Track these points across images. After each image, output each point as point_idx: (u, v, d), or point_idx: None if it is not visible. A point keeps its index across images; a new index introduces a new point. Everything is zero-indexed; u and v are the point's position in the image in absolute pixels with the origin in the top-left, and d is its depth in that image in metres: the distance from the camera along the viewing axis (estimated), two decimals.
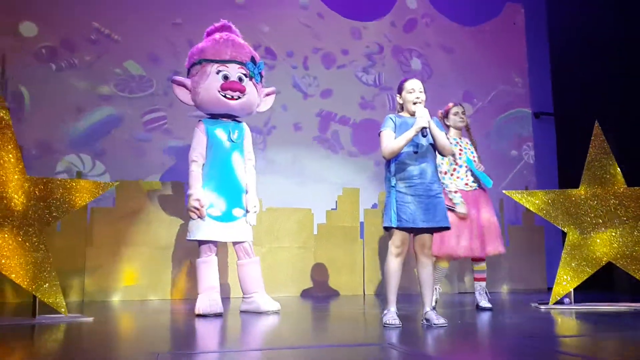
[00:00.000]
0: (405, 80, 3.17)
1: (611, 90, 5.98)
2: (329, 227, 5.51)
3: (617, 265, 3.97)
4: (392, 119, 3.11)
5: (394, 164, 3.06)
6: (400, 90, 3.17)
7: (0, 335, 2.83)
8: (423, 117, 2.97)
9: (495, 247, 3.93)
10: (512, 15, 7.10)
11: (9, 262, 3.20)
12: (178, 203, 4.96)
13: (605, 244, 3.96)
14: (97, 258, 4.75)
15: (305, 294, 5.30)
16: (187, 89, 3.85)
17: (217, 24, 4.04)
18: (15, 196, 3.30)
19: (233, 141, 3.84)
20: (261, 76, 3.99)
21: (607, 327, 3.10)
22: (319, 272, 5.42)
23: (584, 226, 4.01)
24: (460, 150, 4.03)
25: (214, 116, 3.90)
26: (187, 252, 4.86)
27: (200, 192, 3.69)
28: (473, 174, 3.99)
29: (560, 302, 3.97)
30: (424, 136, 3.02)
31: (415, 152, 3.04)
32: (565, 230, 4.06)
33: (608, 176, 4.04)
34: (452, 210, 3.81)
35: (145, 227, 4.90)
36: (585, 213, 4.03)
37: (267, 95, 4.12)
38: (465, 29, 6.89)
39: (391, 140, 3.03)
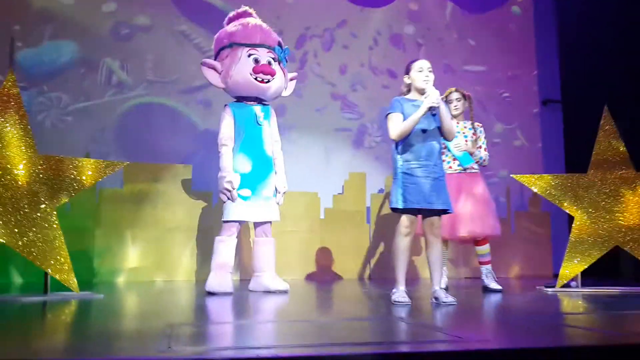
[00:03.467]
0: (413, 61, 3.18)
1: (619, 77, 5.95)
2: (335, 211, 5.53)
3: (624, 248, 3.96)
4: (399, 102, 3.12)
5: (402, 144, 3.08)
6: (408, 71, 3.17)
7: (12, 310, 2.87)
8: (432, 95, 2.98)
9: (491, 228, 3.97)
10: (520, 2, 7.06)
11: (21, 239, 3.23)
12: (185, 185, 4.99)
13: (612, 228, 3.96)
14: (106, 239, 4.79)
15: (310, 277, 5.33)
16: (216, 71, 3.88)
17: (238, 10, 4.06)
18: (28, 175, 3.33)
19: (259, 124, 3.86)
20: (286, 61, 4.03)
21: (612, 306, 3.11)
22: (325, 256, 5.44)
23: (591, 210, 4.01)
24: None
25: (239, 99, 3.93)
26: (195, 233, 4.89)
27: (232, 174, 3.73)
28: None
29: (567, 285, 3.98)
30: (434, 115, 3.03)
31: (424, 131, 3.05)
32: (573, 214, 4.06)
33: (617, 160, 4.03)
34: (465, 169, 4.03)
35: (152, 209, 4.93)
36: (593, 197, 4.02)
37: (291, 80, 4.16)
38: (473, 17, 6.85)
39: (400, 122, 3.04)
